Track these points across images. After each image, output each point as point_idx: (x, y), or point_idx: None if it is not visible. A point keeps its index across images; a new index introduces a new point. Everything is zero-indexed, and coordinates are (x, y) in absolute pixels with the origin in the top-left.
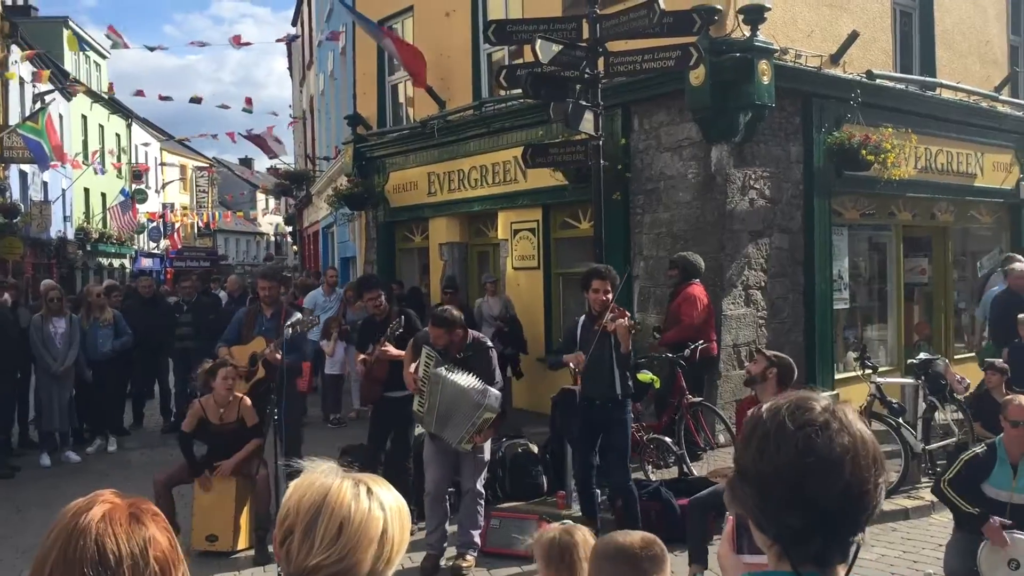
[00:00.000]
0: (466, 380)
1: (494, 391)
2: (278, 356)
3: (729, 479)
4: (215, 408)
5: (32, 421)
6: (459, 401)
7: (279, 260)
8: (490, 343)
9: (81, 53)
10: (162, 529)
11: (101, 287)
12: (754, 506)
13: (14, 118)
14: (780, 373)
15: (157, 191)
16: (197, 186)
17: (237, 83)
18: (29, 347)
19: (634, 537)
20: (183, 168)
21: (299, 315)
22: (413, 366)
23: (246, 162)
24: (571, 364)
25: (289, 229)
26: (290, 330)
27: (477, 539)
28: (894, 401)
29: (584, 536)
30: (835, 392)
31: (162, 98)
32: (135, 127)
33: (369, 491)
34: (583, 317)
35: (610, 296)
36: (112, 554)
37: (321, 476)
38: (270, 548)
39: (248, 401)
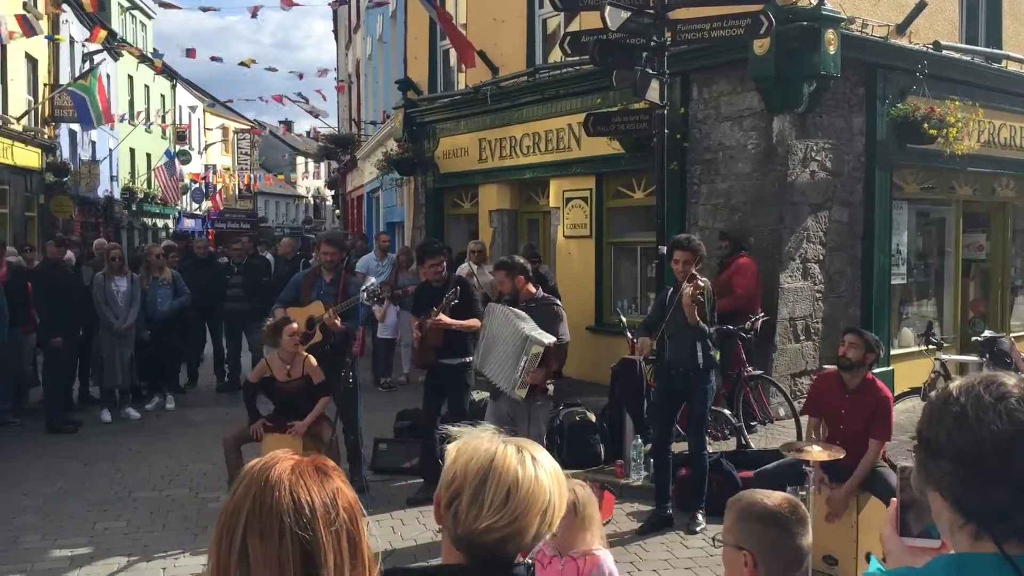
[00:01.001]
0: (517, 316)
1: (546, 334)
2: (337, 322)
3: (916, 459)
4: (281, 365)
5: (92, 377)
6: (504, 331)
7: (317, 223)
8: (559, 303)
9: (127, 13)
10: (346, 482)
11: (160, 247)
12: (954, 482)
13: (64, 78)
14: (874, 358)
15: (200, 152)
16: (239, 148)
17: (277, 45)
18: (91, 305)
19: (777, 498)
20: (225, 130)
21: (373, 280)
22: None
23: (286, 125)
24: (637, 346)
25: (331, 193)
26: (364, 294)
27: None
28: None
29: (589, 492)
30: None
31: (213, 59)
32: (179, 88)
33: (533, 457)
34: (672, 288)
35: (690, 267)
36: (307, 504)
37: (485, 441)
38: None
39: (313, 360)
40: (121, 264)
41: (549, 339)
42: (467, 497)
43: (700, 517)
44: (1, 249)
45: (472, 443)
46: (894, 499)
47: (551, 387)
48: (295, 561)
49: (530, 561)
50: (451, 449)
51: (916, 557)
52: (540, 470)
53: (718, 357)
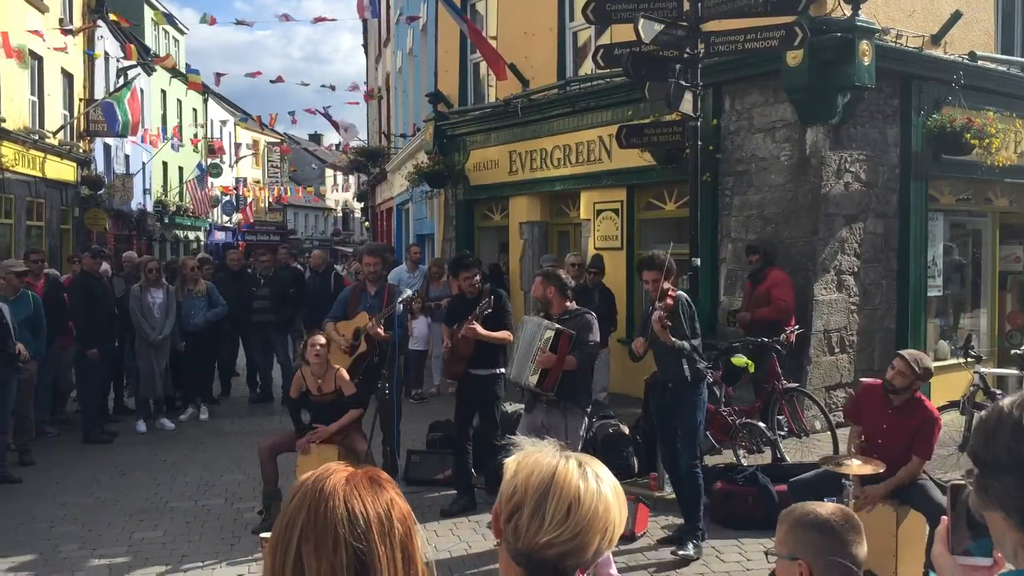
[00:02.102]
0: (545, 321)
1: (566, 329)
2: (381, 331)
3: (975, 483)
4: (313, 378)
5: (126, 388)
6: (527, 331)
7: (346, 235)
8: (591, 314)
9: (160, 29)
10: (399, 494)
11: (195, 260)
12: (1018, 496)
13: (99, 93)
14: (922, 384)
15: (231, 165)
16: (269, 161)
17: (306, 59)
18: (124, 316)
19: (832, 509)
20: (255, 144)
21: (409, 292)
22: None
23: (315, 138)
24: (635, 349)
25: (360, 205)
26: (401, 306)
27: None
28: (998, 391)
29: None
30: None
31: (248, 75)
32: (211, 102)
33: (595, 473)
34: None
35: (663, 284)
36: (361, 515)
37: (547, 455)
38: None
39: (344, 373)
40: (158, 276)
41: (567, 329)
42: (528, 511)
43: (691, 547)
44: (40, 262)
45: (533, 456)
46: (944, 517)
47: (583, 399)
48: (349, 571)
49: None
50: (511, 463)
51: (968, 575)
52: (602, 485)
53: (752, 370)
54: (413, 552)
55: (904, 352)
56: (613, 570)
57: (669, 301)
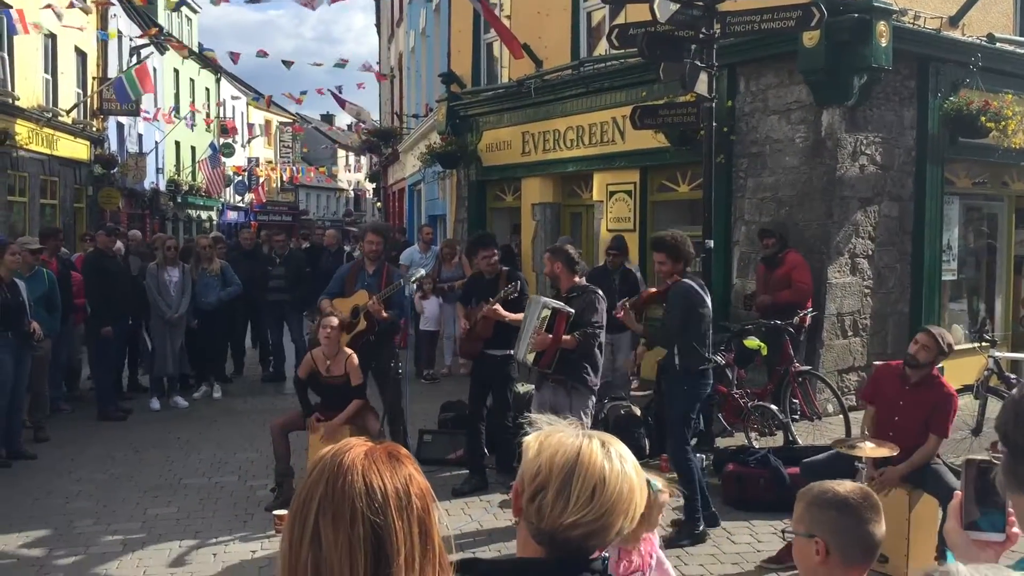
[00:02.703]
0: (544, 298)
1: (565, 306)
2: (382, 311)
3: (1003, 464)
4: (323, 360)
5: (141, 364)
6: (529, 309)
7: (358, 216)
8: (598, 293)
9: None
10: (418, 469)
11: (208, 239)
12: None
13: (112, 71)
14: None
15: (243, 145)
16: (281, 141)
17: (318, 39)
18: (140, 295)
19: (850, 487)
20: (268, 124)
21: (422, 271)
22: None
23: (327, 118)
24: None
25: (372, 186)
26: (415, 285)
27: None
28: (1012, 376)
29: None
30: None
31: (260, 54)
32: (223, 82)
33: (619, 453)
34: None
35: (665, 267)
36: (379, 489)
37: (569, 435)
38: None
39: (355, 360)
40: (175, 255)
41: (558, 305)
42: (552, 492)
43: (684, 528)
44: (56, 241)
45: (556, 436)
46: (957, 492)
47: (589, 378)
48: (366, 545)
49: (607, 555)
50: (532, 442)
51: (981, 551)
52: (626, 466)
53: (764, 352)
54: (430, 527)
55: (930, 327)
56: (668, 566)
57: (650, 291)
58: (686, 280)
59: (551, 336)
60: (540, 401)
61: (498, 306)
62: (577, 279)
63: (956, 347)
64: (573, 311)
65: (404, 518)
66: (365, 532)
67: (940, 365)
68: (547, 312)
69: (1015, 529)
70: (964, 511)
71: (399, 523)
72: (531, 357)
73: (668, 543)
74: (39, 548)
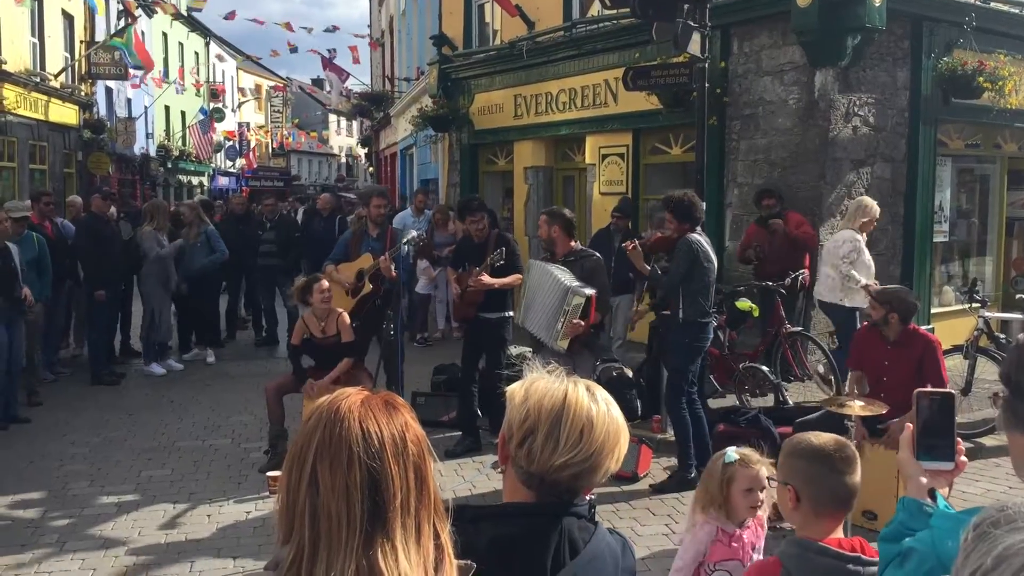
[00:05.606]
0: (555, 269)
1: (587, 287)
2: (392, 268)
3: (1003, 404)
4: (316, 322)
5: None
6: (544, 282)
7: (350, 181)
8: (598, 256)
9: None
10: (414, 418)
11: (187, 205)
12: None
13: (100, 35)
14: (901, 313)
15: (233, 110)
16: (271, 106)
17: (308, 3)
18: (131, 259)
19: (826, 438)
20: (258, 88)
21: (414, 233)
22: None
23: (318, 83)
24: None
25: (364, 151)
26: (407, 247)
27: None
28: (1002, 336)
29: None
30: (931, 326)
31: (252, 20)
32: (212, 45)
33: (603, 397)
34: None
35: (672, 225)
36: (375, 434)
37: (555, 381)
38: None
39: (346, 318)
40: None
41: (590, 291)
42: (542, 435)
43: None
44: (51, 204)
45: (542, 382)
46: (909, 424)
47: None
48: (363, 489)
49: (591, 498)
50: (518, 389)
51: (932, 479)
52: (611, 408)
53: (756, 314)
54: (426, 473)
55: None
56: (760, 542)
57: (657, 234)
58: (695, 234)
59: (584, 323)
60: (542, 362)
61: (484, 275)
62: (573, 243)
63: (948, 308)
64: (595, 291)
65: (400, 463)
66: (361, 475)
67: (930, 327)
68: (579, 300)
69: (963, 458)
70: (916, 442)
71: (395, 468)
72: (564, 344)
73: (660, 490)
74: (34, 510)
